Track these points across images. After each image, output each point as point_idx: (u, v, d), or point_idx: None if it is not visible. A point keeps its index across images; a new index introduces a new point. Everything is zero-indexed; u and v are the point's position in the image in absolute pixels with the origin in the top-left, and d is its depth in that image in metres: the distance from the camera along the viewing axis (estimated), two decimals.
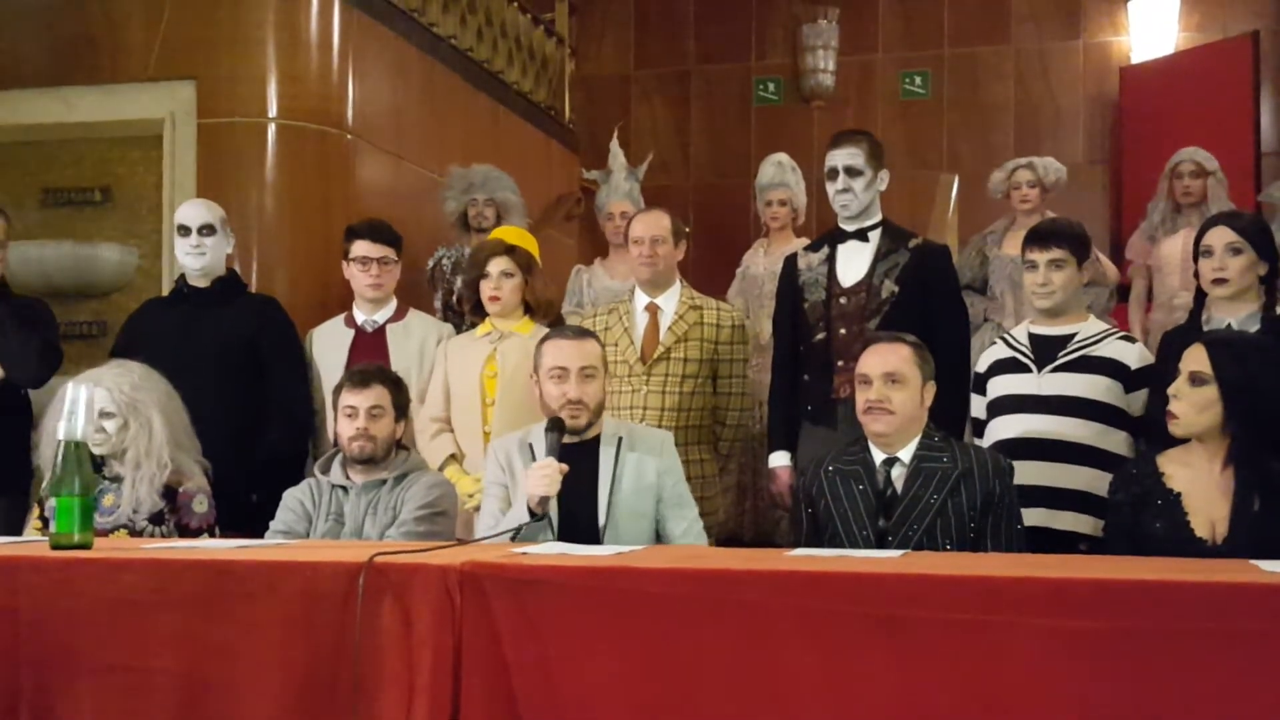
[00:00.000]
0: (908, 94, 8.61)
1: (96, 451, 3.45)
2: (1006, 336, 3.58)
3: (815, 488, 3.08)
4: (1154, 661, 2.01)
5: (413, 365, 4.12)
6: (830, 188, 3.87)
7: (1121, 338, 3.44)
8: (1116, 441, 3.34)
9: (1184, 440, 2.90)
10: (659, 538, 3.23)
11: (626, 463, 3.20)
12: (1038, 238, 3.47)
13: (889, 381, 3.02)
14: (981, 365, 3.56)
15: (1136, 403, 3.35)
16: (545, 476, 2.99)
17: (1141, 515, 2.87)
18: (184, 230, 4.19)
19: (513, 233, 4.36)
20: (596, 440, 3.23)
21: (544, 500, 3.00)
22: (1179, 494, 2.85)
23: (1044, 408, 3.36)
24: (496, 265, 4.06)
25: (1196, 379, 2.82)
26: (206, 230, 4.18)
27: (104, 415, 3.46)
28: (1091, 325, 3.46)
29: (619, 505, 3.17)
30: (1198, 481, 2.85)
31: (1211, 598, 2.03)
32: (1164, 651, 2.01)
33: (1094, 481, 3.28)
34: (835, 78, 8.62)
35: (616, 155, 5.22)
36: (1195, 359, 2.85)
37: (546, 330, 3.71)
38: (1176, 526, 2.83)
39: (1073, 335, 3.43)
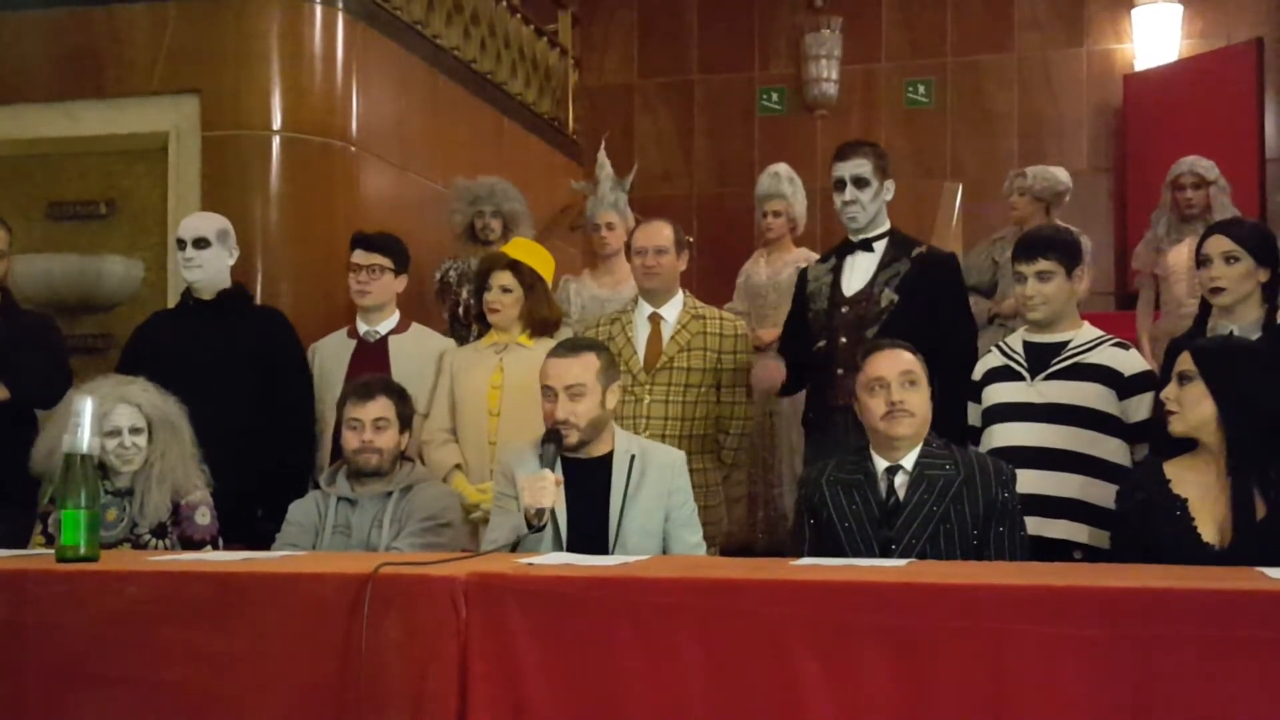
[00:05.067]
0: (911, 102, 8.61)
1: (126, 469, 3.47)
2: (1000, 344, 3.56)
3: (817, 497, 3.07)
4: (1160, 669, 2.01)
5: (414, 377, 4.10)
6: (837, 199, 3.87)
7: (1115, 344, 3.41)
8: (1110, 449, 3.32)
9: (1190, 446, 2.90)
10: (664, 554, 3.22)
11: (639, 482, 3.18)
12: (1024, 250, 3.45)
13: (906, 383, 3.00)
14: (976, 373, 3.55)
15: (1130, 409, 3.33)
16: (541, 488, 2.99)
17: (1148, 522, 2.87)
18: (180, 243, 4.20)
19: (525, 246, 4.32)
20: (609, 456, 3.22)
21: (541, 511, 3.00)
22: (1185, 500, 2.85)
23: (1036, 416, 3.34)
24: (497, 279, 4.07)
25: (1183, 377, 2.85)
26: (200, 243, 4.17)
27: (134, 431, 3.48)
28: (1085, 333, 3.44)
29: (630, 523, 3.15)
30: (1204, 487, 2.85)
31: (1217, 605, 2.03)
32: (1170, 659, 2.01)
33: (1087, 489, 3.27)
34: (839, 87, 8.62)
35: (603, 166, 5.20)
36: (1181, 361, 2.89)
37: (549, 342, 3.71)
38: (1183, 533, 2.82)
39: (1066, 343, 3.41)
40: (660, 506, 3.19)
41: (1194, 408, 2.83)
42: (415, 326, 4.36)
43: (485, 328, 4.17)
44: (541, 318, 4.12)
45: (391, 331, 4.28)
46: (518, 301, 4.07)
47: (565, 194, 6.73)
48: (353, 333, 4.30)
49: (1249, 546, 2.70)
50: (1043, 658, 2.05)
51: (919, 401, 3.00)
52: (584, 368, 3.16)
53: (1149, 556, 2.73)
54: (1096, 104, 8.32)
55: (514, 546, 2.99)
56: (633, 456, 3.21)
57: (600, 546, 3.11)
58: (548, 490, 2.99)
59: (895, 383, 3.00)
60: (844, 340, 3.78)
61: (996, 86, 8.47)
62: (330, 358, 4.27)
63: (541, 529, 3.02)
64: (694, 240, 5.35)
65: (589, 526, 3.14)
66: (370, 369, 4.00)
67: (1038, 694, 2.05)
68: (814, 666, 2.13)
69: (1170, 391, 2.87)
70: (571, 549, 3.06)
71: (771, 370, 3.91)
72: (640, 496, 3.17)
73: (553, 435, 3.12)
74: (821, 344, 3.83)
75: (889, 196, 3.90)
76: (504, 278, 4.06)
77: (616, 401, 3.27)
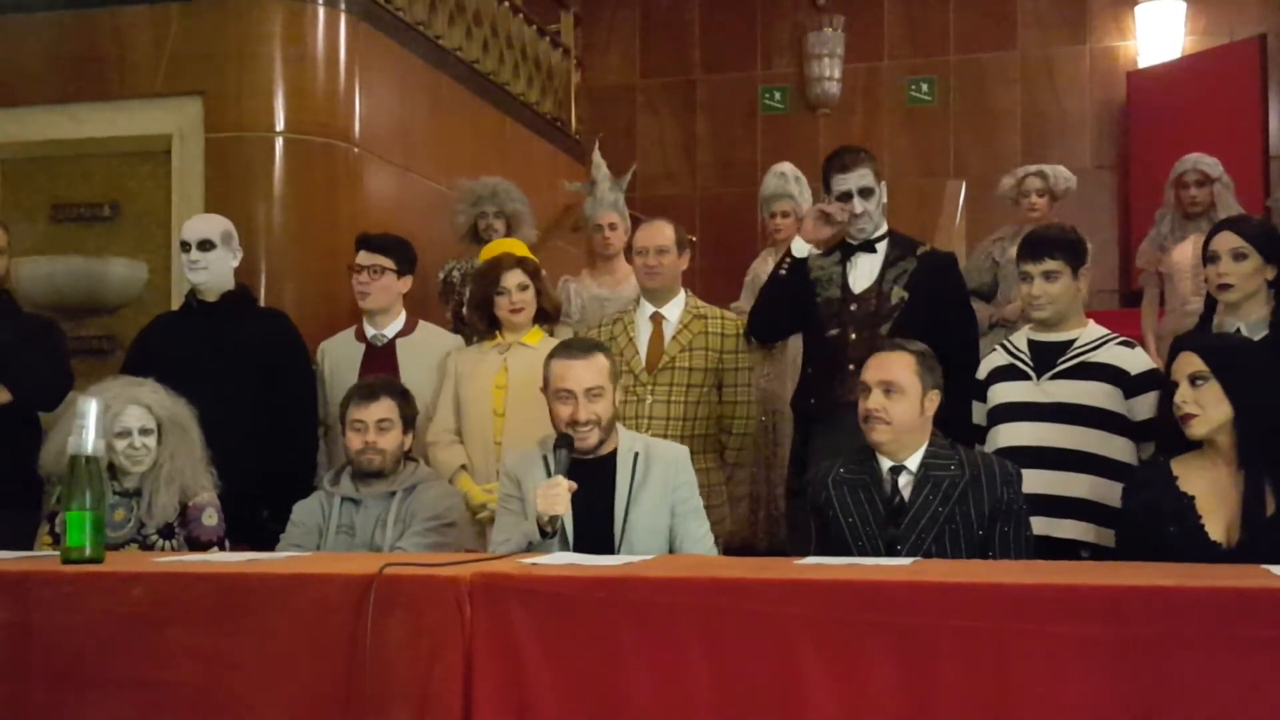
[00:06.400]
0: (914, 101, 8.61)
1: (135, 470, 3.48)
2: (1006, 343, 3.55)
3: (823, 498, 3.08)
4: (1166, 668, 2.01)
5: (424, 378, 4.11)
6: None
7: (1121, 343, 3.40)
8: (1117, 448, 3.31)
9: (1197, 445, 2.89)
10: (671, 549, 3.21)
11: (644, 480, 3.18)
12: (1030, 249, 3.43)
13: (885, 391, 3.01)
14: (981, 372, 3.54)
15: (1136, 407, 3.32)
16: (556, 495, 2.97)
17: (1155, 521, 2.86)
18: (184, 246, 4.19)
19: (508, 244, 4.37)
20: (613, 455, 3.22)
21: (555, 518, 2.99)
22: (1192, 497, 2.85)
23: (1043, 415, 3.33)
24: (513, 279, 4.06)
25: (1196, 378, 2.84)
26: (205, 245, 4.17)
27: (144, 432, 3.49)
28: (1091, 331, 3.43)
29: (635, 522, 3.15)
30: (1212, 485, 2.85)
31: (1225, 604, 2.02)
32: (1176, 658, 2.00)
33: (1095, 488, 3.26)
34: (841, 85, 8.62)
35: (600, 166, 5.18)
36: (1189, 362, 2.87)
37: (553, 340, 3.70)
38: (1191, 531, 2.82)
39: (1072, 341, 3.40)
40: (665, 503, 3.19)
41: (1215, 408, 2.82)
42: (422, 325, 4.35)
43: (490, 332, 4.14)
44: (552, 306, 4.19)
45: (399, 334, 4.28)
46: (534, 297, 4.08)
47: (567, 194, 6.73)
48: (360, 336, 4.30)
49: (1258, 544, 2.69)
50: (1048, 657, 2.05)
51: (899, 410, 3.00)
52: (598, 369, 3.17)
53: (1156, 555, 2.72)
54: (1100, 101, 8.32)
55: (526, 552, 2.99)
56: (637, 454, 3.21)
57: (606, 545, 3.11)
58: (562, 497, 2.97)
59: (875, 390, 3.01)
60: (854, 336, 3.78)
61: (999, 84, 8.47)
62: (340, 362, 4.26)
63: (554, 535, 3.02)
64: (696, 240, 5.35)
65: (594, 525, 3.13)
66: (380, 373, 3.99)
67: (1043, 693, 2.05)
68: (818, 665, 2.13)
69: (1185, 394, 2.84)
70: (577, 549, 3.06)
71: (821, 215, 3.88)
72: (645, 494, 3.17)
73: (565, 440, 3.11)
74: (834, 331, 3.84)
75: (885, 199, 3.92)
76: (518, 276, 4.06)
77: (620, 400, 3.28)
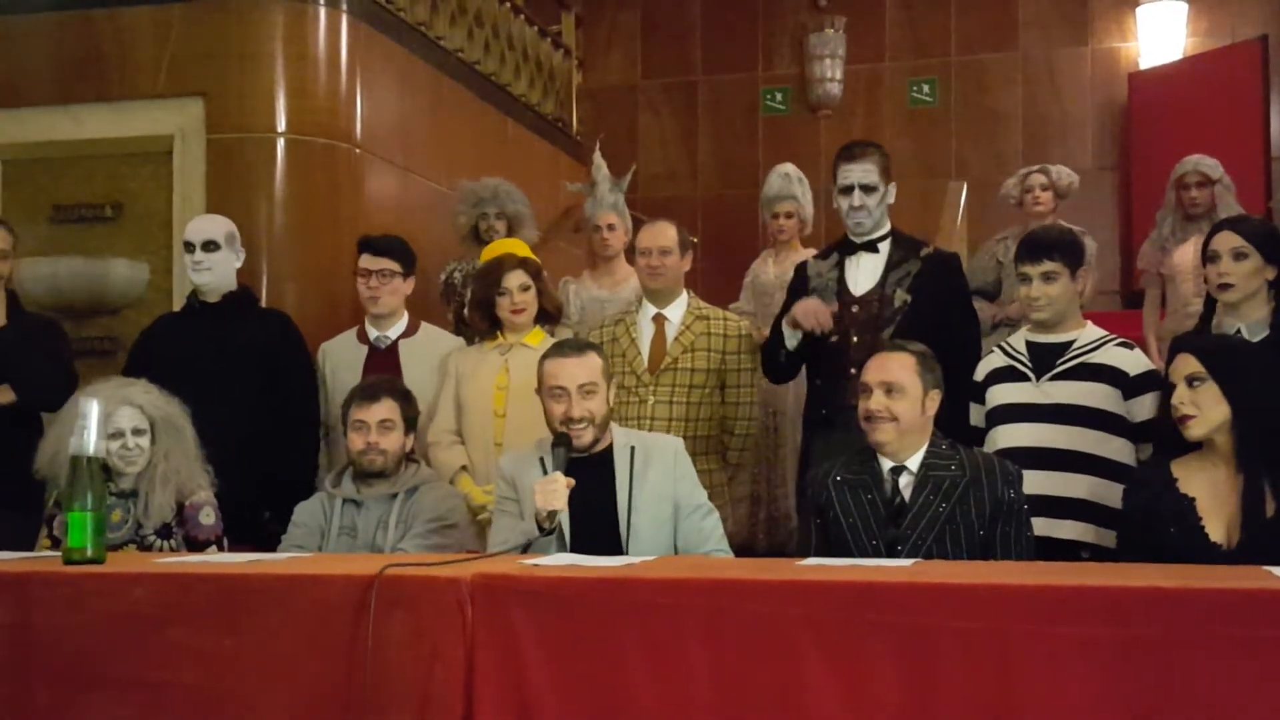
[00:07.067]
0: (916, 102, 8.61)
1: (130, 471, 3.48)
2: (1004, 345, 3.55)
3: (824, 498, 3.08)
4: (1166, 669, 2.01)
5: (426, 379, 4.11)
6: (843, 203, 3.85)
7: (1119, 344, 3.40)
8: (1116, 449, 3.31)
9: (1196, 446, 2.89)
10: (679, 546, 3.22)
11: (644, 472, 3.20)
12: (1029, 250, 3.43)
13: (886, 391, 3.01)
14: (980, 373, 3.53)
15: (1135, 409, 3.32)
16: (553, 491, 2.99)
17: (1154, 522, 2.86)
18: (188, 246, 4.20)
19: (509, 245, 4.38)
20: (609, 452, 3.23)
21: (553, 514, 3.00)
22: (1192, 499, 2.85)
23: (1043, 416, 3.33)
24: (515, 279, 4.06)
25: (1194, 379, 2.84)
26: (210, 246, 4.18)
27: (137, 433, 3.49)
28: (1089, 332, 3.43)
29: (640, 515, 3.17)
30: (1212, 486, 2.85)
31: (1224, 605, 2.03)
32: (1176, 659, 2.01)
33: (1095, 489, 3.26)
34: (843, 86, 8.63)
35: (600, 168, 5.17)
36: (1186, 363, 2.87)
37: (551, 342, 3.70)
38: (1191, 532, 2.82)
39: (1070, 343, 3.39)
40: (668, 495, 3.20)
41: (1213, 410, 2.82)
42: (424, 327, 4.36)
43: (492, 333, 4.15)
44: (554, 306, 4.19)
45: (401, 336, 4.28)
46: (535, 297, 4.08)
47: (569, 195, 6.73)
48: (363, 338, 4.30)
49: (1258, 545, 2.69)
50: (1049, 658, 2.05)
51: (902, 409, 3.00)
52: (591, 367, 3.19)
53: (1156, 556, 2.72)
54: (1101, 103, 8.32)
55: (525, 549, 3.00)
56: (633, 448, 3.23)
57: (608, 540, 3.11)
58: (559, 493, 2.99)
59: (876, 390, 3.02)
60: (856, 339, 3.78)
61: (1001, 85, 8.48)
62: (341, 364, 4.26)
63: (552, 532, 3.02)
64: (698, 241, 5.34)
65: (597, 523, 3.14)
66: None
67: (1044, 694, 2.05)
68: (820, 666, 2.13)
69: (1183, 395, 2.85)
70: (582, 547, 3.06)
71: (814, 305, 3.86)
72: (646, 486, 3.19)
73: (562, 439, 3.13)
74: (835, 338, 3.83)
75: (891, 199, 3.90)
76: (520, 277, 4.07)
77: (614, 398, 3.30)
